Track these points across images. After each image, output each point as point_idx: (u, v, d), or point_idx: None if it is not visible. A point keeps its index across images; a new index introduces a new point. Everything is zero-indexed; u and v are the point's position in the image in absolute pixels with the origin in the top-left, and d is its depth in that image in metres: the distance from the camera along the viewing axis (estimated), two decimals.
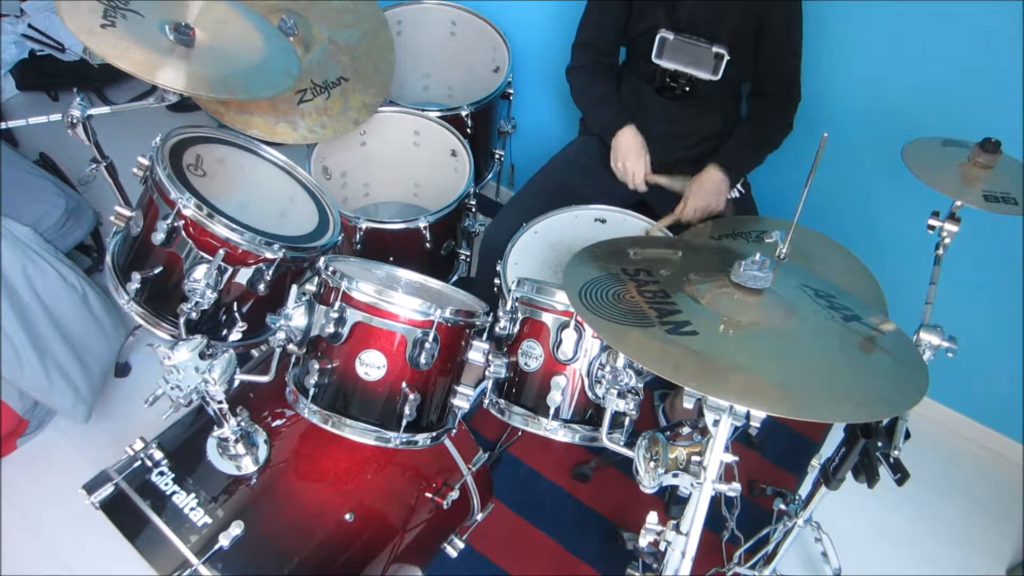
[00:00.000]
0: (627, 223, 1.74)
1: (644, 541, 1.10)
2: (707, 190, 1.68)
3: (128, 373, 2.11)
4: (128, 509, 1.23)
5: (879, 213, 1.93)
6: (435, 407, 1.30)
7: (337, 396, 1.24)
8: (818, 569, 1.80)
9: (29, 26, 2.81)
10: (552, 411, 1.27)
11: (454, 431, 1.38)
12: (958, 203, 1.32)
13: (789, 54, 1.67)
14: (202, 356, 1.14)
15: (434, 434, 1.30)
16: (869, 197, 1.92)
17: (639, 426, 1.20)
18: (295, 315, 1.25)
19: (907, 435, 1.22)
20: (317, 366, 1.21)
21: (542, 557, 1.81)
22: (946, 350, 1.19)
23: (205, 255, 1.30)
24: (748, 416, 0.98)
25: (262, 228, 1.36)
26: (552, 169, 1.91)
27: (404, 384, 1.22)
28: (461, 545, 1.63)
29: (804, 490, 1.59)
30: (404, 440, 1.24)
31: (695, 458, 1.04)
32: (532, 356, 1.29)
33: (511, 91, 2.15)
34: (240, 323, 1.41)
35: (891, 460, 1.21)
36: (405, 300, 1.19)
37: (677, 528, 1.07)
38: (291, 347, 1.27)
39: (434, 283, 1.47)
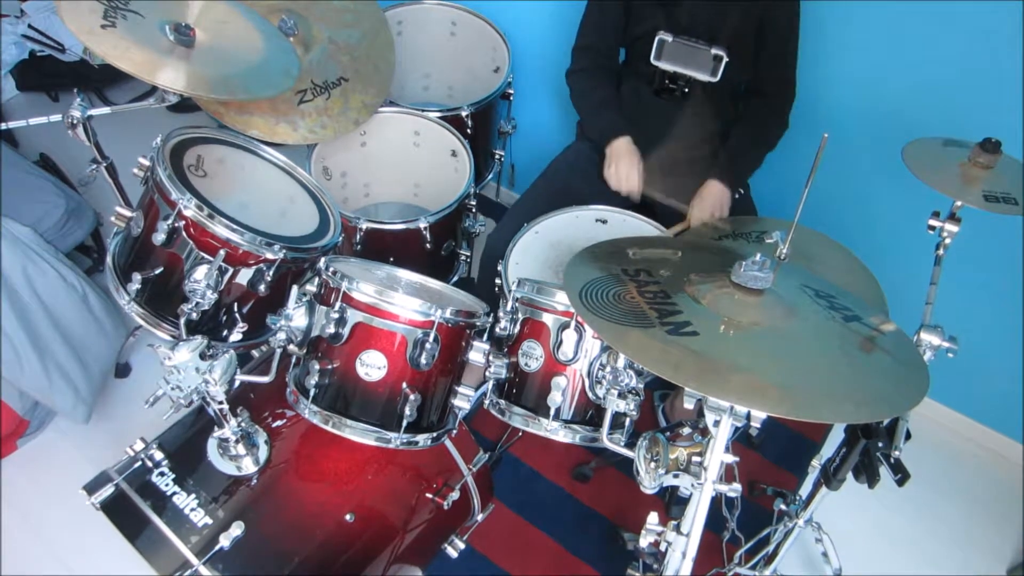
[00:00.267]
0: (628, 223, 1.73)
1: (645, 541, 1.10)
2: (708, 203, 1.68)
3: (128, 374, 2.11)
4: (128, 510, 1.23)
5: (879, 213, 1.93)
6: (435, 407, 1.30)
7: (337, 397, 1.24)
8: (819, 569, 1.80)
9: (29, 26, 2.81)
10: (552, 412, 1.27)
11: (455, 431, 1.38)
12: (958, 203, 1.32)
13: (788, 54, 1.67)
14: (203, 357, 1.14)
15: (435, 434, 1.30)
16: (869, 197, 1.92)
17: (639, 427, 1.20)
18: (295, 316, 1.25)
19: (908, 435, 1.22)
20: (317, 367, 1.21)
21: (543, 557, 1.81)
22: (947, 350, 1.19)
23: (206, 256, 1.30)
24: (748, 416, 0.98)
25: (262, 229, 1.36)
26: (552, 173, 1.91)
27: (405, 384, 1.22)
28: (462, 545, 1.63)
29: (805, 490, 1.59)
30: (405, 440, 1.24)
31: (696, 459, 1.04)
32: (532, 356, 1.29)
33: (511, 91, 2.15)
34: (241, 324, 1.41)
35: (892, 460, 1.21)
36: (405, 300, 1.19)
37: (678, 528, 1.07)
38: (292, 348, 1.27)
39: (434, 283, 1.47)
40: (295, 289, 1.26)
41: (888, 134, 1.72)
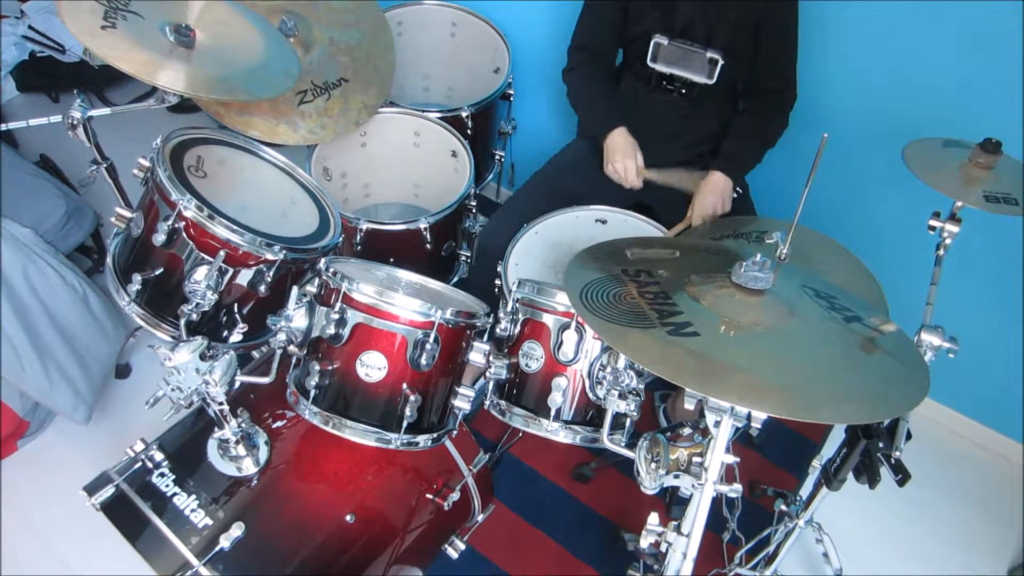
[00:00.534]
0: (628, 224, 1.74)
1: (645, 542, 1.10)
2: (713, 195, 1.68)
3: (129, 374, 2.11)
4: (129, 510, 1.23)
5: (879, 214, 1.93)
6: (436, 408, 1.30)
7: (338, 397, 1.24)
8: (819, 570, 1.80)
9: (29, 27, 2.81)
10: (553, 412, 1.27)
11: (455, 432, 1.38)
12: (959, 203, 1.32)
13: (787, 54, 1.67)
14: (203, 357, 1.14)
15: (435, 435, 1.30)
16: (869, 197, 1.92)
17: (640, 427, 1.20)
18: (296, 316, 1.25)
19: (908, 436, 1.21)
20: (318, 367, 1.21)
21: (543, 558, 1.81)
22: (947, 351, 1.19)
23: (206, 256, 1.30)
24: (749, 417, 0.98)
25: (263, 229, 1.36)
26: (548, 171, 1.91)
27: (405, 385, 1.22)
28: (462, 546, 1.63)
29: (805, 491, 1.59)
30: (405, 441, 1.24)
31: (696, 459, 1.03)
32: (533, 357, 1.29)
33: (511, 92, 2.15)
34: (241, 324, 1.41)
35: (892, 461, 1.20)
36: (406, 301, 1.19)
37: (678, 529, 1.07)
38: (292, 348, 1.27)
39: (435, 284, 1.47)
40: (295, 290, 1.26)
41: (888, 134, 1.72)
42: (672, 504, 1.82)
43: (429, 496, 1.45)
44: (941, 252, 1.34)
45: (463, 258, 2.04)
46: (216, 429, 1.29)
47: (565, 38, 1.85)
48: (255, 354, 1.60)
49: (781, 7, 1.60)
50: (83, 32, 1.30)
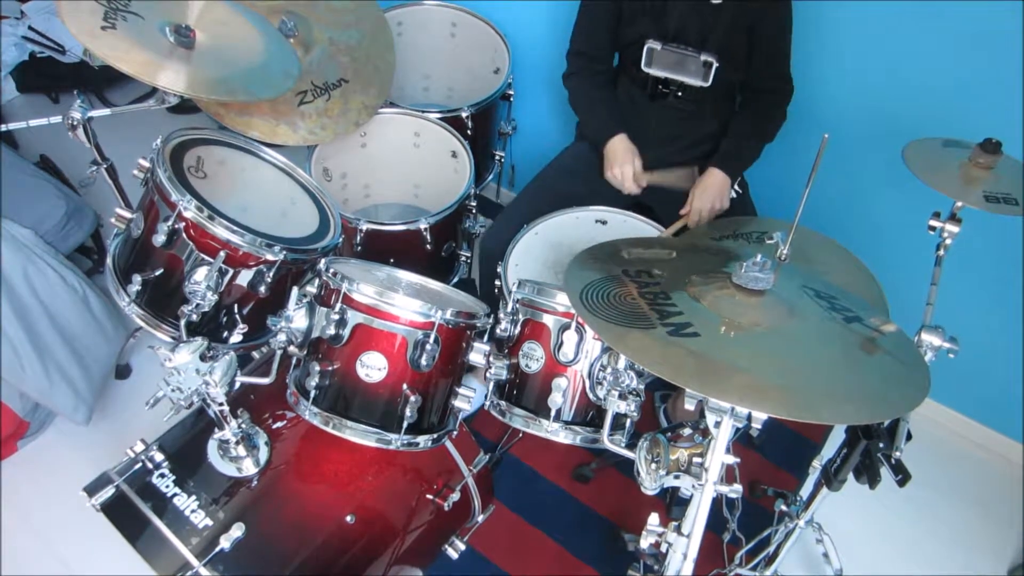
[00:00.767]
0: (628, 224, 1.74)
1: (645, 542, 1.10)
2: (710, 192, 1.68)
3: (129, 375, 2.11)
4: (129, 511, 1.23)
5: (879, 214, 1.93)
6: (436, 409, 1.30)
7: (338, 398, 1.24)
8: (819, 570, 1.80)
9: (30, 28, 2.81)
10: (553, 413, 1.27)
11: (455, 433, 1.38)
12: (959, 203, 1.32)
13: (781, 52, 1.67)
14: (203, 358, 1.14)
15: (435, 436, 1.30)
16: (869, 198, 1.92)
17: (640, 427, 1.20)
18: (296, 317, 1.25)
19: (908, 436, 1.21)
20: (318, 368, 1.21)
21: (543, 558, 1.81)
22: (947, 351, 1.19)
23: (206, 257, 1.30)
24: (749, 418, 0.98)
25: (263, 230, 1.36)
26: (549, 174, 1.91)
27: (405, 386, 1.22)
28: (462, 546, 1.63)
29: (805, 491, 1.59)
30: (405, 442, 1.24)
31: (696, 459, 1.03)
32: (533, 358, 1.29)
33: (511, 92, 2.15)
34: (241, 325, 1.41)
35: (892, 461, 1.20)
36: (406, 302, 1.19)
37: (678, 529, 1.07)
38: (292, 349, 1.27)
39: (435, 284, 1.47)
40: (295, 290, 1.26)
41: (888, 134, 1.72)
42: (672, 504, 1.82)
43: (429, 496, 1.45)
44: (941, 252, 1.34)
45: (463, 258, 2.04)
46: (216, 430, 1.29)
47: (565, 39, 1.85)
48: (255, 355, 1.60)
49: (773, 7, 1.60)
50: (83, 32, 1.30)
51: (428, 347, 1.20)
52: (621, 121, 1.76)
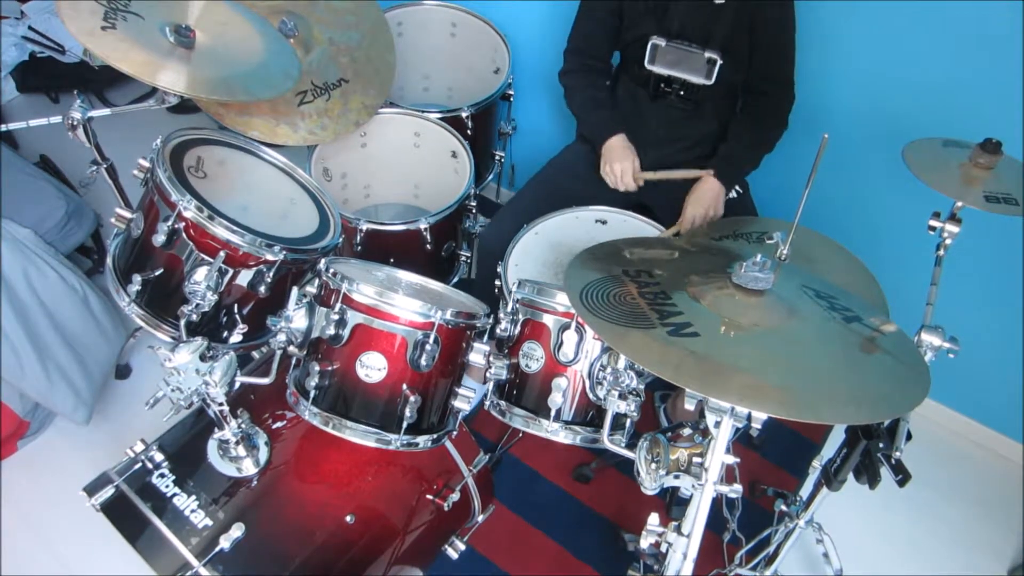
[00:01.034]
0: (628, 224, 1.74)
1: (645, 542, 1.10)
2: (704, 200, 1.68)
3: (129, 375, 2.11)
4: (129, 511, 1.23)
5: (880, 214, 1.93)
6: (436, 409, 1.30)
7: (338, 398, 1.24)
8: (819, 570, 1.80)
9: (30, 28, 2.81)
10: (553, 413, 1.27)
11: (455, 433, 1.38)
12: (959, 204, 1.32)
13: (783, 53, 1.67)
14: (203, 358, 1.14)
15: (435, 436, 1.30)
16: (869, 198, 1.92)
17: (640, 427, 1.20)
18: (296, 317, 1.25)
19: (908, 436, 1.21)
20: (318, 368, 1.21)
21: (543, 558, 1.81)
22: (947, 351, 1.19)
23: (206, 257, 1.30)
24: (749, 417, 0.98)
25: (263, 230, 1.36)
26: (548, 173, 1.91)
27: (405, 386, 1.22)
28: (462, 547, 1.63)
29: (805, 491, 1.59)
30: (405, 442, 1.24)
31: (696, 459, 1.04)
32: (533, 358, 1.29)
33: (511, 92, 2.15)
34: (241, 325, 1.41)
35: (892, 461, 1.20)
36: (406, 302, 1.19)
37: (678, 529, 1.07)
38: (292, 349, 1.27)
39: (435, 285, 1.47)
40: (295, 290, 1.26)
41: (888, 134, 1.72)
42: (672, 504, 1.82)
43: (429, 497, 1.45)
44: (941, 252, 1.34)
45: (463, 258, 2.04)
46: (216, 430, 1.29)
47: (565, 39, 1.85)
48: (255, 355, 1.60)
49: (775, 7, 1.60)
50: (83, 33, 1.30)
51: (428, 347, 1.20)
52: (620, 120, 1.76)
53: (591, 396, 1.27)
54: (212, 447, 1.31)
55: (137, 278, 1.32)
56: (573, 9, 1.81)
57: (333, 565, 1.30)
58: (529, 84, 2.32)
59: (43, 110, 2.89)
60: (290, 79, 1.58)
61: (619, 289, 1.08)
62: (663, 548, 1.12)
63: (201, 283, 1.27)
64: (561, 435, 1.28)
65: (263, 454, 1.32)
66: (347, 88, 1.86)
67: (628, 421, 1.26)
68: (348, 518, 1.32)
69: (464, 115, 1.99)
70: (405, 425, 1.23)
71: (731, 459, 1.01)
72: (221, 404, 1.20)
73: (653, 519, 1.09)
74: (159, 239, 1.27)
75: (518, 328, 1.31)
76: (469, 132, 2.00)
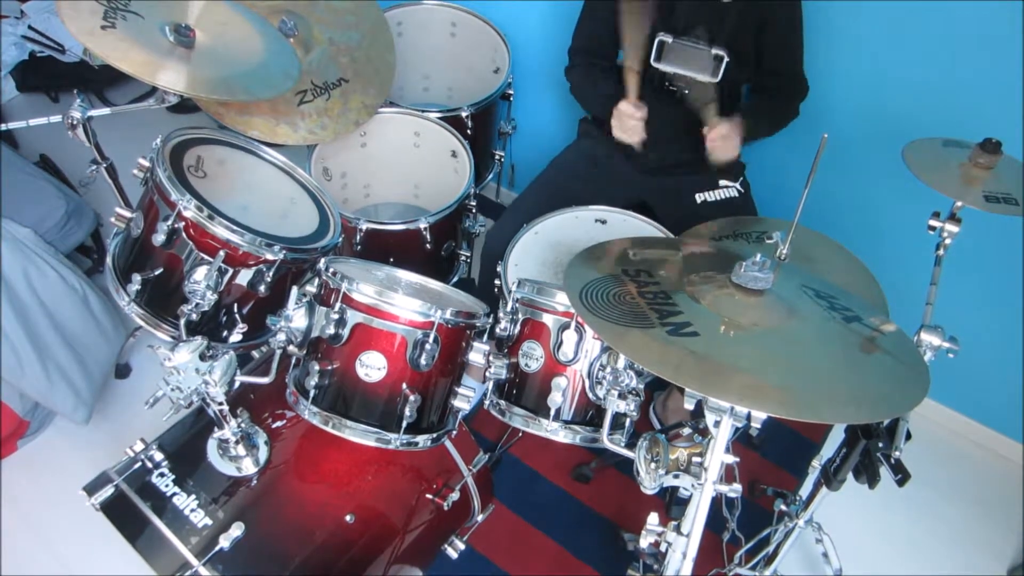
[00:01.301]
0: (628, 224, 1.73)
1: (645, 542, 1.10)
2: (722, 129, 1.64)
3: (128, 374, 2.11)
4: (128, 510, 1.23)
5: (879, 213, 1.93)
6: (435, 408, 1.30)
7: (337, 397, 1.24)
8: (819, 570, 1.80)
9: (29, 27, 2.81)
10: (553, 412, 1.27)
11: (455, 432, 1.38)
12: (959, 204, 1.32)
13: (793, 50, 1.67)
14: (202, 357, 1.14)
15: (435, 435, 1.30)
16: (869, 198, 1.92)
17: (639, 427, 1.20)
18: (295, 316, 1.24)
19: (908, 436, 1.21)
20: (317, 367, 1.21)
21: (543, 558, 1.81)
22: (947, 351, 1.19)
23: (205, 256, 1.30)
24: (749, 417, 0.98)
25: (262, 229, 1.36)
26: (549, 174, 1.91)
27: (404, 385, 1.22)
28: (462, 546, 1.63)
29: (805, 491, 1.59)
30: (404, 441, 1.24)
31: (696, 459, 1.04)
32: (533, 357, 1.29)
33: (511, 92, 2.15)
34: (240, 324, 1.41)
35: (892, 461, 1.20)
36: (405, 301, 1.19)
37: (678, 529, 1.07)
38: (291, 348, 1.27)
39: (434, 284, 1.47)
40: (295, 290, 1.26)
41: (888, 134, 1.72)
42: (672, 504, 1.82)
43: (429, 496, 1.45)
44: (941, 252, 1.34)
45: (463, 258, 2.04)
46: (216, 429, 1.29)
47: (565, 38, 1.85)
48: (255, 354, 1.60)
49: (784, 5, 1.60)
50: (83, 32, 1.30)
51: (428, 347, 1.20)
52: (625, 92, 1.74)
53: (591, 396, 1.27)
54: (212, 446, 1.31)
55: (137, 277, 1.32)
56: (573, 8, 1.81)
57: (333, 564, 1.30)
58: (529, 84, 2.32)
59: (43, 109, 2.89)
60: (290, 79, 1.58)
61: (619, 289, 1.08)
62: (663, 547, 1.12)
63: (201, 282, 1.27)
64: (561, 434, 1.28)
65: (263, 453, 1.32)
66: (347, 88, 1.86)
67: (627, 420, 1.26)
68: (348, 517, 1.32)
69: (464, 115, 1.99)
70: (405, 424, 1.23)
71: (730, 458, 1.01)
72: (221, 403, 1.20)
73: (653, 518, 1.09)
74: (159, 238, 1.27)
75: (518, 327, 1.31)
76: (469, 132, 2.00)
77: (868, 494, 1.31)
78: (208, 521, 1.22)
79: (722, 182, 1.81)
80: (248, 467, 1.30)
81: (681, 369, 0.90)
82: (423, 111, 1.99)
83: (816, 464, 1.43)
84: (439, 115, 1.99)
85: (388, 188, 2.22)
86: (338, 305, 1.20)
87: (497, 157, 2.28)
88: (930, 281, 1.30)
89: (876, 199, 1.91)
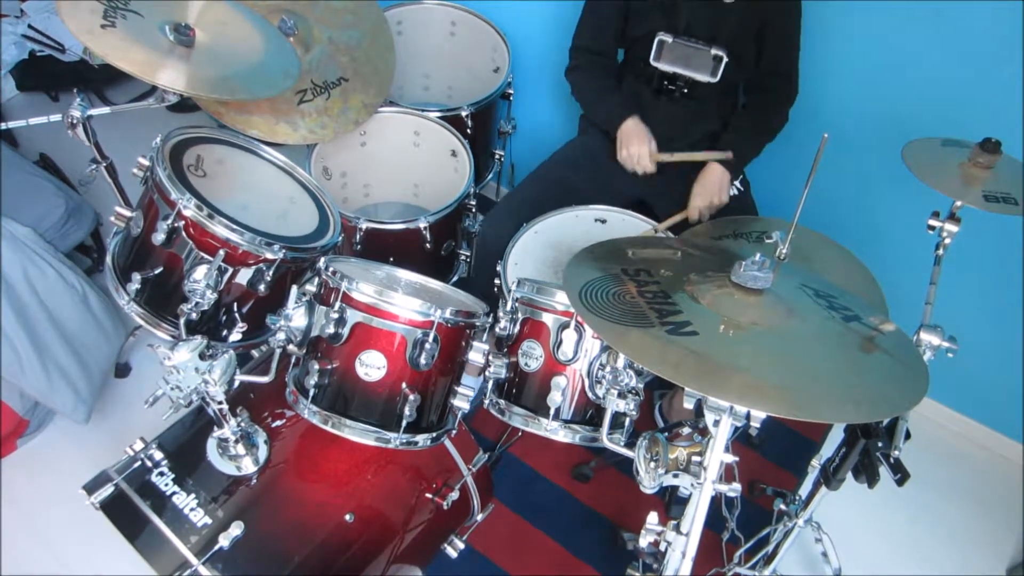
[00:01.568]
0: (627, 223, 1.74)
1: (644, 541, 1.10)
2: (709, 188, 1.68)
3: (128, 374, 2.11)
4: (128, 509, 1.23)
5: (879, 213, 1.93)
6: (435, 408, 1.30)
7: (337, 397, 1.24)
8: (818, 569, 1.80)
9: (29, 26, 2.81)
10: (552, 411, 1.27)
11: (454, 431, 1.38)
12: (958, 203, 1.32)
13: (789, 52, 1.68)
14: (202, 357, 1.14)
15: (434, 435, 1.30)
16: (869, 197, 1.92)
17: (639, 426, 1.21)
18: (295, 316, 1.25)
19: (907, 435, 1.21)
20: (317, 367, 1.21)
21: (542, 557, 1.81)
22: (946, 350, 1.19)
23: (205, 256, 1.30)
24: (748, 416, 0.98)
25: (262, 229, 1.36)
26: (549, 167, 1.91)
27: (404, 385, 1.22)
28: (461, 545, 1.63)
29: (804, 490, 1.59)
30: (404, 441, 1.24)
31: (695, 458, 1.04)
32: (532, 356, 1.29)
33: (511, 91, 2.15)
34: (240, 324, 1.41)
35: (891, 460, 1.21)
36: (405, 301, 1.19)
37: (677, 528, 1.07)
38: (291, 348, 1.27)
39: (434, 283, 1.47)
40: (295, 289, 1.26)
41: (888, 134, 1.72)
42: (671, 503, 1.80)
43: (428, 495, 1.45)
44: (940, 252, 1.34)
45: (463, 257, 2.04)
46: (215, 428, 1.29)
47: (565, 38, 1.85)
48: (254, 353, 1.60)
49: (784, 6, 1.60)
50: (83, 31, 1.30)
51: (427, 346, 1.20)
52: (631, 105, 1.76)
53: (590, 395, 1.27)
54: (211, 445, 1.31)
55: (137, 276, 1.32)
56: (573, 8, 1.81)
57: (332, 564, 1.30)
58: (529, 83, 2.32)
59: (43, 108, 2.88)
60: (290, 78, 1.58)
61: (618, 288, 1.07)
62: (662, 547, 1.12)
63: (201, 281, 1.27)
64: (560, 434, 1.28)
65: (262, 452, 1.32)
66: (347, 87, 1.86)
67: (627, 420, 1.26)
68: (347, 517, 1.32)
69: (464, 114, 1.99)
70: (404, 424, 1.23)
71: (730, 458, 1.01)
72: (220, 402, 1.20)
73: (652, 518, 1.09)
74: (159, 237, 1.27)
75: (517, 327, 1.31)
76: (469, 131, 2.00)
77: (867, 494, 1.31)
78: (208, 520, 1.22)
79: None
80: (248, 466, 1.30)
81: (680, 368, 0.90)
82: (423, 110, 1.99)
83: (815, 463, 1.43)
84: (439, 114, 1.99)
85: (388, 187, 2.22)
86: (338, 304, 1.20)
87: (497, 156, 2.28)
88: (929, 281, 1.30)
89: (875, 199, 1.91)
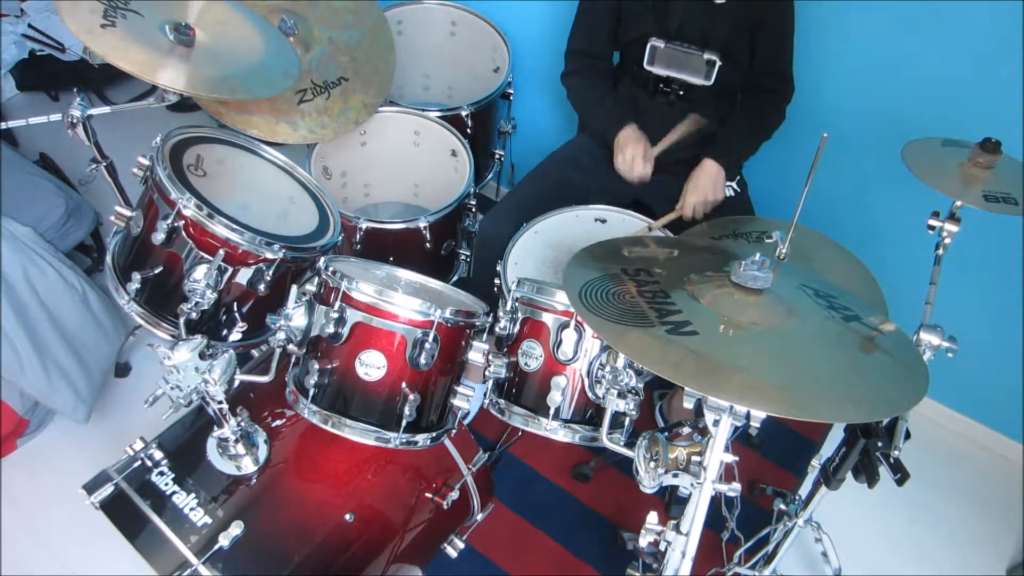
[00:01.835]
0: (627, 223, 1.74)
1: (644, 541, 1.10)
2: (703, 184, 1.67)
3: (128, 373, 2.11)
4: (128, 509, 1.23)
5: (879, 213, 1.93)
6: (435, 407, 1.30)
7: (337, 396, 1.24)
8: (818, 569, 1.80)
9: (29, 26, 2.81)
10: (552, 411, 1.27)
11: (454, 431, 1.38)
12: (958, 203, 1.32)
13: (784, 52, 1.67)
14: (202, 356, 1.14)
15: (434, 434, 1.30)
16: (869, 197, 1.92)
17: (639, 426, 1.21)
18: (295, 315, 1.25)
19: (907, 435, 1.21)
20: (317, 366, 1.21)
21: (542, 557, 1.81)
22: (946, 350, 1.19)
23: (205, 255, 1.30)
24: (748, 416, 0.98)
25: (262, 228, 1.36)
26: (549, 166, 1.91)
27: (404, 384, 1.22)
28: (461, 545, 1.63)
29: (804, 490, 1.59)
30: (404, 440, 1.24)
31: (695, 458, 1.04)
32: (532, 356, 1.29)
33: (511, 91, 2.15)
34: (240, 323, 1.41)
35: (891, 460, 1.20)
36: (405, 300, 1.19)
37: (677, 528, 1.07)
38: (291, 347, 1.27)
39: (434, 283, 1.47)
40: (295, 289, 1.26)
41: (888, 134, 1.72)
42: (671, 503, 1.80)
43: (428, 495, 1.45)
44: (940, 252, 1.34)
45: (463, 257, 2.04)
46: (215, 428, 1.29)
47: (565, 37, 1.84)
48: (254, 353, 1.60)
49: (776, 8, 1.60)
50: (83, 31, 1.30)
51: (427, 346, 1.20)
52: (628, 113, 1.76)
53: (590, 395, 1.27)
54: (211, 445, 1.31)
55: (136, 276, 1.32)
56: (573, 8, 1.81)
57: (332, 563, 1.30)
58: (529, 83, 2.32)
59: (43, 108, 2.88)
60: (290, 77, 1.58)
61: (618, 288, 1.07)
62: (662, 547, 1.12)
63: (200, 281, 1.27)
64: (560, 433, 1.28)
65: (262, 452, 1.32)
66: (347, 87, 1.86)
67: (627, 420, 1.26)
68: (347, 516, 1.32)
69: (464, 114, 1.99)
70: (404, 423, 1.23)
71: (730, 458, 1.01)
72: (220, 402, 1.20)
73: (652, 518, 1.09)
74: (159, 237, 1.27)
75: (517, 327, 1.31)
76: (469, 131, 2.00)
77: (867, 493, 1.31)
78: (208, 520, 1.22)
79: None
80: (248, 466, 1.30)
81: (680, 368, 0.90)
82: (423, 110, 1.99)
83: (815, 463, 1.43)
84: (439, 114, 1.99)
85: (388, 187, 2.22)
86: (338, 304, 1.20)
87: (497, 156, 2.28)
88: (929, 280, 1.30)
89: (875, 199, 1.91)
